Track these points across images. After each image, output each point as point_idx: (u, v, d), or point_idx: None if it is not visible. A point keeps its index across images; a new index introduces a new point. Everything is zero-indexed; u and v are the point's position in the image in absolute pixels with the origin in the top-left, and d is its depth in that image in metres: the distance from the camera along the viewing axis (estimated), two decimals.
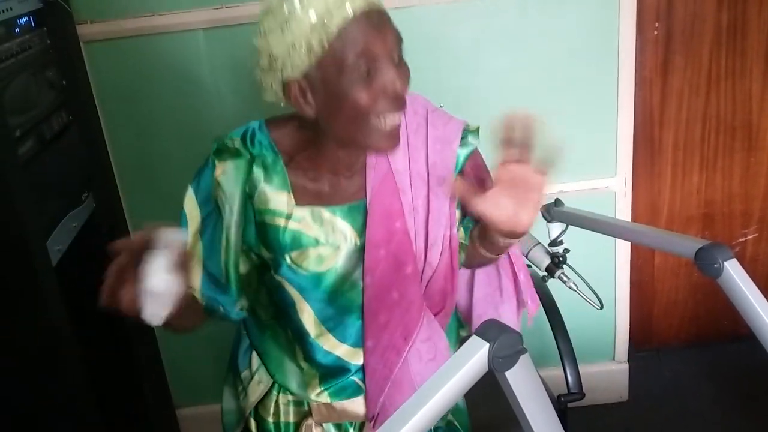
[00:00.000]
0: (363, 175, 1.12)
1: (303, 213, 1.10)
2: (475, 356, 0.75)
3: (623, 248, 2.24)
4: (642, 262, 2.44)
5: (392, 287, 1.13)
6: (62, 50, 1.72)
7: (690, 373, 2.49)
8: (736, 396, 2.34)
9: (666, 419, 2.30)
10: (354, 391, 1.22)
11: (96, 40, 1.88)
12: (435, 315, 1.21)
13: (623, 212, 2.18)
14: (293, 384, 1.24)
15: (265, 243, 1.12)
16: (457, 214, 1.21)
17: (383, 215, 1.11)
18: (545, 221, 1.47)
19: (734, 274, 1.06)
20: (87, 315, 1.58)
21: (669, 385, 2.45)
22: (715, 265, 1.06)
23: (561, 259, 1.45)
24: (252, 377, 1.27)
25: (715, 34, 2.18)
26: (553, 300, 1.93)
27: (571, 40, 2.00)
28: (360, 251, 1.12)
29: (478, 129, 1.19)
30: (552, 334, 1.85)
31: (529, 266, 2.03)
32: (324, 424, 1.25)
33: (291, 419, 1.26)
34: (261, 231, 1.11)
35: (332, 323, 1.17)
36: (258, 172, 1.09)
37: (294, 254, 1.10)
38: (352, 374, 1.21)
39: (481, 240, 1.16)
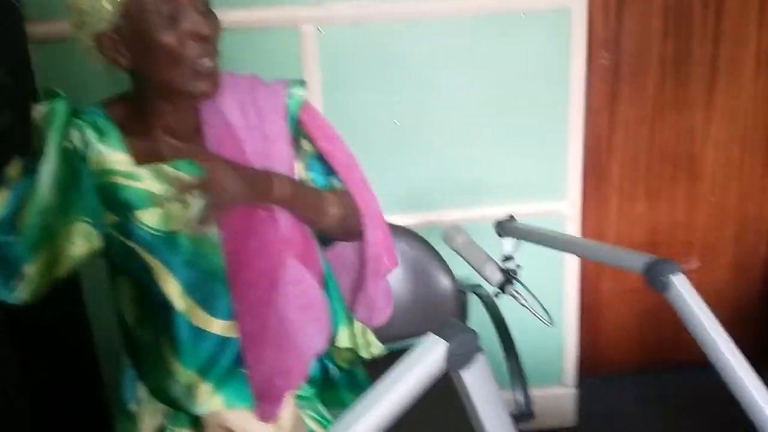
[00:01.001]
0: (201, 136, 1.14)
1: (144, 171, 1.09)
2: (433, 354, 0.74)
3: (572, 272, 2.27)
4: (590, 286, 2.47)
5: (250, 236, 1.13)
6: (9, 49, 1.68)
7: (638, 400, 2.51)
8: (684, 425, 2.35)
9: None
10: (249, 394, 1.15)
11: (45, 40, 1.82)
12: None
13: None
14: (180, 394, 1.15)
15: (108, 205, 1.09)
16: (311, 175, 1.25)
17: None
18: (498, 236, 1.47)
19: (681, 288, 1.08)
20: None
21: (617, 412, 2.46)
22: (663, 279, 1.08)
23: (513, 275, 1.44)
24: (140, 409, 1.20)
25: (660, 66, 2.26)
26: (504, 319, 1.93)
27: (524, 65, 2.05)
28: (210, 207, 1.09)
29: (301, 81, 1.24)
30: (501, 354, 1.85)
31: (479, 287, 2.05)
32: None
33: None
34: (103, 193, 1.08)
35: (200, 294, 1.11)
36: (91, 134, 1.09)
37: (140, 213, 1.08)
38: (233, 356, 1.14)
39: None
